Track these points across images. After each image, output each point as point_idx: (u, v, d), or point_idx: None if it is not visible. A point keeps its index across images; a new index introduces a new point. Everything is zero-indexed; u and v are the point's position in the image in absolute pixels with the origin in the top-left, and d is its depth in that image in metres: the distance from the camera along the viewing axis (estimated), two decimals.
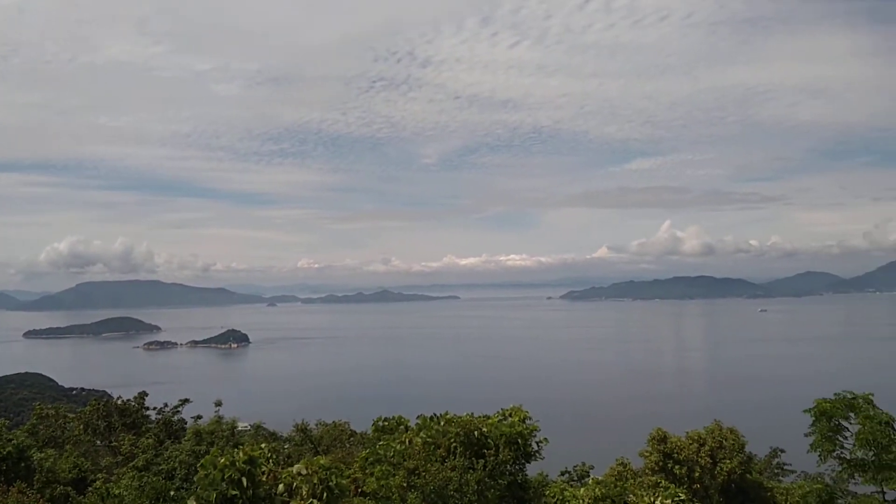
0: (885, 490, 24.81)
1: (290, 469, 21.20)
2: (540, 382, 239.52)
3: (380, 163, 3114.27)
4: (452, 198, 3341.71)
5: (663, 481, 33.19)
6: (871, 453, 24.67)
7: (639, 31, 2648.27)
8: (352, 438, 56.10)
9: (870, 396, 26.37)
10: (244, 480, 20.57)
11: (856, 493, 30.45)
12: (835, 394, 26.87)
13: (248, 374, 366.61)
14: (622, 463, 39.83)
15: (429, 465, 22.25)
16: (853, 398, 26.50)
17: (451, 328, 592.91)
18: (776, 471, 61.31)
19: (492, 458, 23.47)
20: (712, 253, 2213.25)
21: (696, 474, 37.46)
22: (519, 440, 25.61)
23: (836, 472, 29.93)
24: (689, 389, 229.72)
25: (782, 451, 62.57)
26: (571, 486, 32.04)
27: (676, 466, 37.58)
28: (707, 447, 38.29)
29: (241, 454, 21.14)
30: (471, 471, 22.48)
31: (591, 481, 30.49)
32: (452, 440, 23.84)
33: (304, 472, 20.74)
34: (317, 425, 61.51)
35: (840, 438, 25.95)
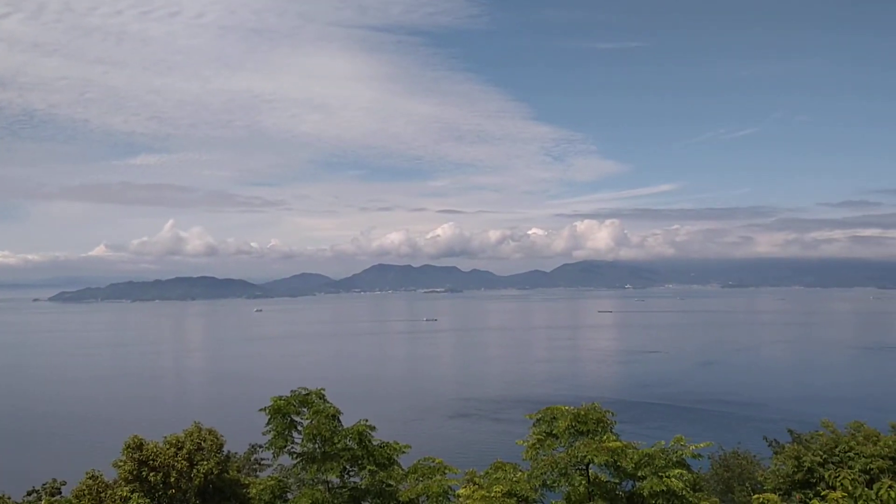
0: (329, 479, 27.16)
1: None
2: (15, 398, 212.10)
3: None
4: None
5: (135, 493, 31.70)
6: (317, 446, 26.82)
7: (148, 23, 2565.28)
8: None
9: (322, 391, 28.64)
10: None
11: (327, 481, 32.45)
12: (291, 391, 28.60)
13: None
14: (92, 476, 36.99)
15: None
16: (307, 394, 28.51)
17: None
18: (254, 467, 63.84)
19: None
20: (215, 254, 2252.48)
21: (173, 479, 36.65)
22: None
23: (289, 466, 32.12)
24: (177, 392, 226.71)
25: (260, 446, 65.22)
26: None
27: (152, 473, 36.30)
28: (185, 450, 37.68)
29: None
30: None
31: (43, 500, 27.47)
32: None
33: None
34: None
35: (294, 434, 27.59)
